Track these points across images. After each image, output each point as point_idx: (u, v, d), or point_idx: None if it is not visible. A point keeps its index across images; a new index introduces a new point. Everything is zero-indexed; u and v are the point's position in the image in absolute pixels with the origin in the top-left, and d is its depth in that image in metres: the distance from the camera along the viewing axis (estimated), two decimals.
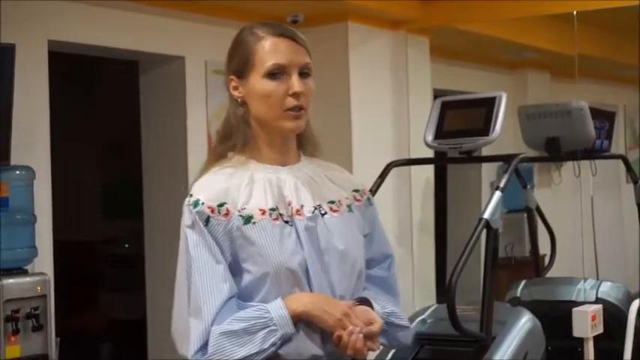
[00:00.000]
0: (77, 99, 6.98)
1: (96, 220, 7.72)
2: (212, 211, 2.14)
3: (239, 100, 2.23)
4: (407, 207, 6.50)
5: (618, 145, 8.36)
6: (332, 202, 2.26)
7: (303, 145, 2.32)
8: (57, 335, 4.36)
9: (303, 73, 2.20)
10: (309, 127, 2.30)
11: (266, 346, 2.07)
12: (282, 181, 2.21)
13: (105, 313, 7.41)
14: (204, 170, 2.25)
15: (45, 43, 4.72)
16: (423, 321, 4.76)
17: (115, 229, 7.52)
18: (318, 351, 2.15)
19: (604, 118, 6.23)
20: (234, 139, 2.24)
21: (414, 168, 6.35)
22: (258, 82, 2.18)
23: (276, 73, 2.17)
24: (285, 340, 2.09)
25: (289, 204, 2.19)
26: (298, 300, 2.11)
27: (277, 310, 2.09)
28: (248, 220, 2.14)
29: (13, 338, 4.03)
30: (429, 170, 6.73)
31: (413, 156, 6.20)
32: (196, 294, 2.11)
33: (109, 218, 7.68)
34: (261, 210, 2.15)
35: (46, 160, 4.70)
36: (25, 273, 4.24)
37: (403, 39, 6.52)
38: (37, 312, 4.12)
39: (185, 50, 5.52)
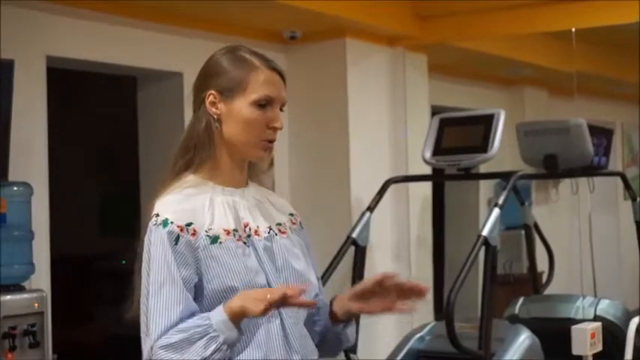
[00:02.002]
0: (75, 115, 6.97)
1: (93, 235, 7.70)
2: (181, 230, 2.16)
3: (215, 116, 2.25)
4: (405, 224, 6.49)
5: (616, 163, 8.37)
6: (279, 225, 2.34)
7: (249, 170, 2.36)
8: (54, 352, 4.35)
9: (281, 109, 2.28)
10: None
11: (207, 354, 2.05)
12: (237, 203, 2.26)
13: (102, 329, 7.38)
14: (163, 188, 2.27)
15: (43, 58, 4.72)
16: (421, 338, 4.75)
17: (111, 244, 7.50)
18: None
19: (602, 135, 6.22)
20: (197, 152, 2.27)
21: (412, 185, 6.35)
22: (245, 107, 2.23)
23: (263, 104, 2.23)
24: (230, 345, 2.08)
25: (246, 225, 2.25)
26: (232, 300, 2.10)
27: (217, 315, 2.08)
28: (215, 240, 2.18)
29: (10, 355, 4.01)
30: (426, 187, 6.73)
31: (411, 173, 6.20)
32: (149, 314, 2.12)
33: (106, 234, 7.66)
34: (225, 230, 2.20)
35: (44, 176, 4.70)
36: (22, 289, 4.23)
37: (401, 56, 6.53)
38: (34, 329, 4.10)
39: (183, 66, 5.51)
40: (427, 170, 5.79)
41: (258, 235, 2.25)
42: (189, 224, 2.17)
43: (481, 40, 6.81)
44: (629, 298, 6.65)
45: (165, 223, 2.17)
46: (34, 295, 4.21)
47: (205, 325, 2.06)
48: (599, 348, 4.64)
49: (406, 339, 4.78)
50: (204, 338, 2.05)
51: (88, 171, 7.65)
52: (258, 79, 2.23)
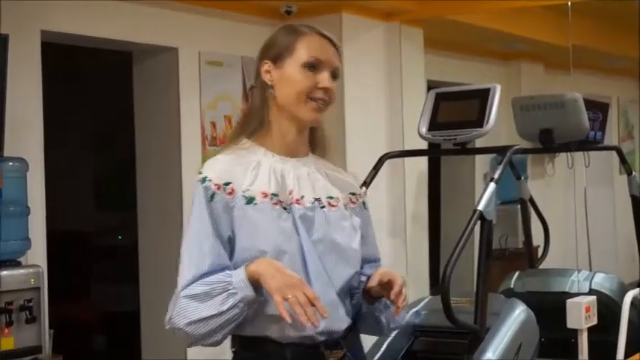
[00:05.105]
0: (70, 90, 6.95)
1: (89, 211, 7.70)
2: (218, 188, 2.25)
3: (270, 82, 2.35)
4: (400, 198, 6.50)
5: (611, 137, 8.37)
6: (331, 198, 2.37)
7: (313, 144, 2.46)
8: (50, 327, 4.36)
9: (333, 75, 2.37)
10: (322, 129, 2.48)
11: (224, 309, 2.16)
12: (286, 171, 2.33)
13: (98, 304, 7.40)
14: (220, 151, 2.38)
15: (38, 33, 4.70)
16: (417, 313, 4.75)
17: (108, 220, 7.51)
18: (308, 331, 2.21)
19: (597, 109, 6.23)
20: (252, 119, 2.38)
21: (407, 159, 6.34)
22: (294, 69, 2.32)
23: (312, 65, 2.33)
24: (248, 303, 2.16)
25: (290, 193, 2.31)
26: (258, 263, 2.18)
27: (238, 274, 2.18)
28: (250, 200, 2.26)
29: (6, 330, 4.03)
30: (422, 162, 6.73)
31: (407, 147, 6.20)
32: (180, 265, 2.24)
33: (102, 209, 7.66)
34: (263, 193, 2.28)
35: (39, 152, 4.69)
36: (18, 265, 4.24)
37: (397, 30, 6.51)
38: (31, 304, 4.12)
39: (179, 41, 5.50)
40: (423, 145, 5.79)
41: (300, 203, 2.30)
42: (227, 183, 2.26)
43: (477, 14, 6.78)
44: (624, 271, 6.67)
45: (203, 180, 2.27)
46: (31, 270, 4.23)
47: (226, 282, 2.17)
48: (594, 321, 4.67)
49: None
50: (224, 294, 2.16)
51: (84, 146, 7.64)
52: (306, 42, 2.34)
